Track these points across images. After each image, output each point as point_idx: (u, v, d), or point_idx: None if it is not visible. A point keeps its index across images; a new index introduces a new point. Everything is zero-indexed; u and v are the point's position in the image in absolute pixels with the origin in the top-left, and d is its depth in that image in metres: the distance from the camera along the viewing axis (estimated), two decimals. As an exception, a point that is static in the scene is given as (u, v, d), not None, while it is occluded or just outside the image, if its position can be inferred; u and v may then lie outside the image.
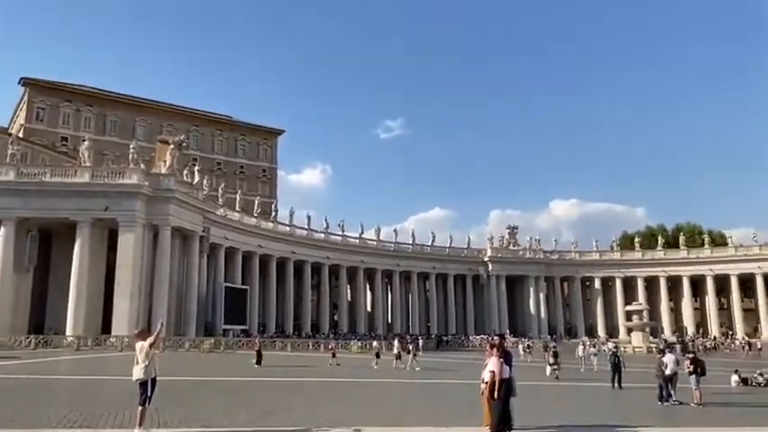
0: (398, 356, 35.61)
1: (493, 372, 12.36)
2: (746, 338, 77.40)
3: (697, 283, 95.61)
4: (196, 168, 63.51)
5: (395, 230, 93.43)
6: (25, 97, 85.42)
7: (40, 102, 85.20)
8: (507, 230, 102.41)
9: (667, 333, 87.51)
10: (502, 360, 12.67)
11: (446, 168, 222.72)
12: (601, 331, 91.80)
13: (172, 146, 54.20)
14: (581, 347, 41.24)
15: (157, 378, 12.53)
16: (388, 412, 17.52)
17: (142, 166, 51.87)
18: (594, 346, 43.82)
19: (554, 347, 34.69)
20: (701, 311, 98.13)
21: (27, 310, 50.40)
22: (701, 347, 66.01)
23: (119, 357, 35.54)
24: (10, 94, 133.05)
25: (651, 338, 74.77)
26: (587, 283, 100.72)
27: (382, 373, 31.44)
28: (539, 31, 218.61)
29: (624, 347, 49.18)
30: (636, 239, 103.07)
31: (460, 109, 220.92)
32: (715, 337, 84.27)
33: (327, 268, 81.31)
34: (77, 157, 57.05)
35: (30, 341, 43.71)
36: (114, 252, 49.33)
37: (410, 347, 36.84)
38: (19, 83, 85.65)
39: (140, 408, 12.04)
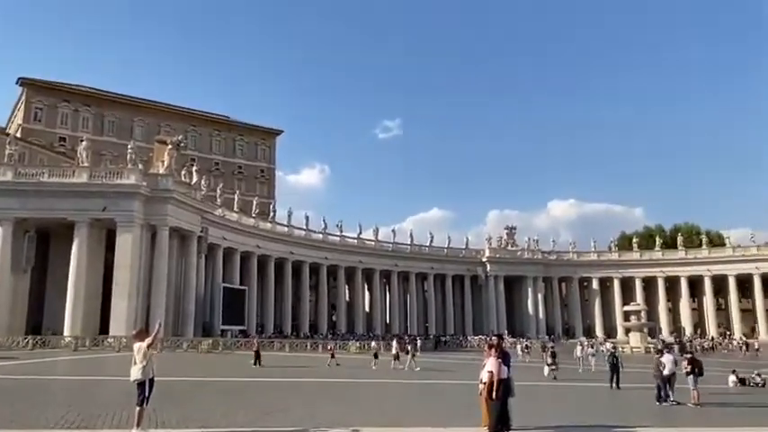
0: (397, 357, 35.59)
1: (491, 372, 12.37)
2: (744, 339, 77.50)
3: (695, 284, 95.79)
4: (194, 168, 63.51)
5: (393, 231, 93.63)
6: (23, 97, 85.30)
7: (37, 102, 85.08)
8: (505, 231, 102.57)
9: (665, 333, 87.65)
10: (500, 360, 12.68)
11: (444, 168, 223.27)
12: (599, 331, 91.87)
13: (170, 146, 54.16)
14: (579, 348, 41.30)
15: (155, 378, 12.51)
16: (386, 413, 17.52)
17: (140, 166, 51.83)
18: (592, 347, 43.90)
19: (552, 348, 34.76)
20: (698, 312, 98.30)
21: (25, 311, 50.30)
22: (698, 348, 66.09)
23: (116, 358, 35.49)
24: (8, 94, 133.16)
25: (649, 339, 74.80)
26: (585, 284, 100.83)
27: (381, 373, 31.43)
28: (538, 31, 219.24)
29: (622, 348, 49.19)
30: (634, 240, 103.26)
31: (459, 109, 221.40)
32: (713, 338, 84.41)
33: (325, 269, 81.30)
34: (75, 158, 57.02)
35: (27, 342, 43.62)
36: (112, 252, 49.26)
37: (408, 348, 36.86)
38: (17, 83, 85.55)
39: (138, 408, 12.02)
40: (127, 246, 48.50)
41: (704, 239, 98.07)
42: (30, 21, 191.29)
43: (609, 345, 40.74)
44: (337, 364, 34.45)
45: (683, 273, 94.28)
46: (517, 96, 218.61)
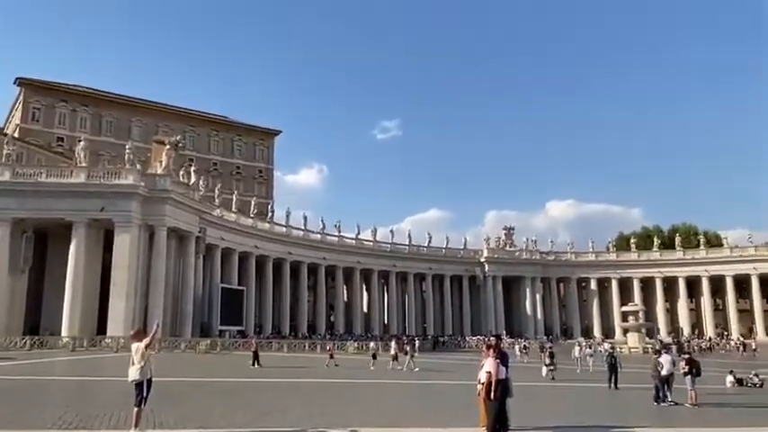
0: (395, 357, 35.58)
1: (489, 372, 12.36)
2: (741, 339, 77.61)
3: (693, 284, 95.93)
4: (192, 169, 63.42)
5: (391, 231, 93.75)
6: (21, 97, 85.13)
7: (35, 102, 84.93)
8: (504, 231, 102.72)
9: (663, 334, 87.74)
10: (498, 361, 12.67)
11: (443, 169, 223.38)
12: (597, 332, 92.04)
13: (168, 146, 54.07)
14: (577, 348, 41.32)
15: (153, 379, 12.48)
16: (384, 413, 17.52)
17: (138, 166, 51.79)
18: (590, 347, 43.96)
19: (550, 348, 34.79)
20: (696, 312, 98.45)
21: (22, 311, 50.20)
22: (696, 348, 66.24)
23: (114, 358, 35.42)
24: (5, 93, 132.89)
25: (647, 339, 74.93)
26: (583, 284, 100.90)
27: (379, 374, 31.44)
28: (538, 31, 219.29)
29: (620, 348, 49.25)
30: (632, 240, 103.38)
31: (457, 109, 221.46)
32: (710, 338, 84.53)
33: (324, 269, 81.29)
34: (73, 158, 56.88)
35: (25, 342, 43.52)
36: (110, 253, 49.18)
37: (407, 348, 36.86)
38: (14, 83, 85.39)
39: (136, 409, 12.00)
40: (125, 246, 48.43)
41: (702, 240, 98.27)
42: (27, 21, 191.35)
43: (607, 345, 40.87)
44: (336, 365, 34.45)
45: (681, 273, 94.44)
46: (516, 96, 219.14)
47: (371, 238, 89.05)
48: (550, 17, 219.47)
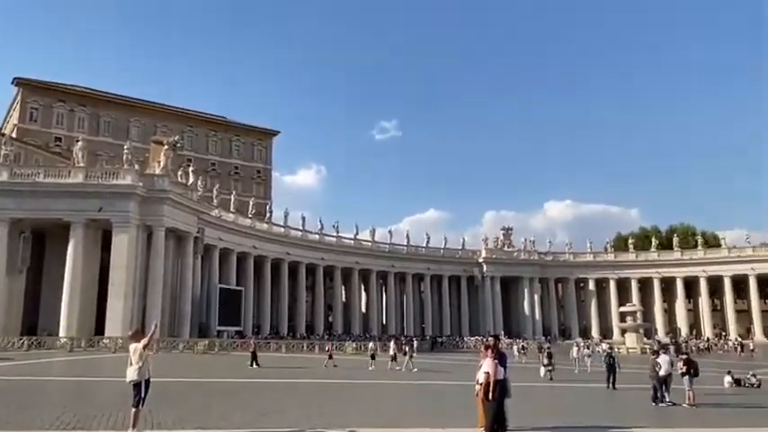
0: (394, 358, 35.58)
1: (487, 373, 12.36)
2: (739, 339, 77.78)
3: (690, 285, 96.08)
4: (190, 169, 63.37)
5: (390, 231, 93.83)
6: (18, 97, 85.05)
7: (33, 102, 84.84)
8: (502, 232, 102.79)
9: (661, 334, 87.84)
10: (496, 361, 12.67)
11: (441, 169, 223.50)
12: (595, 332, 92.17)
13: (166, 146, 53.99)
14: (575, 349, 41.31)
15: (151, 379, 12.46)
16: (383, 413, 17.52)
17: (136, 166, 51.70)
18: (588, 348, 43.93)
19: (548, 348, 34.77)
20: (694, 313, 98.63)
21: (20, 312, 50.12)
22: (694, 348, 66.29)
23: (112, 359, 35.38)
24: (3, 94, 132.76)
25: (645, 339, 75.02)
26: (581, 285, 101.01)
27: (378, 374, 31.43)
28: (538, 32, 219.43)
29: (618, 348, 49.27)
30: (630, 241, 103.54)
31: (456, 110, 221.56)
32: (708, 338, 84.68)
33: (322, 269, 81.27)
34: (71, 158, 56.85)
35: (23, 342, 43.46)
36: (108, 253, 49.10)
37: (406, 349, 36.85)
38: (12, 83, 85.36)
39: (134, 409, 11.98)
40: (123, 246, 48.36)
41: (700, 240, 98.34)
42: (25, 21, 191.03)
43: (605, 345, 40.86)
44: (334, 366, 34.43)
45: (679, 273, 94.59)
46: (515, 97, 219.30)
47: (370, 239, 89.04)
48: (550, 17, 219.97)
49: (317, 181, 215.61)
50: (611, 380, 25.40)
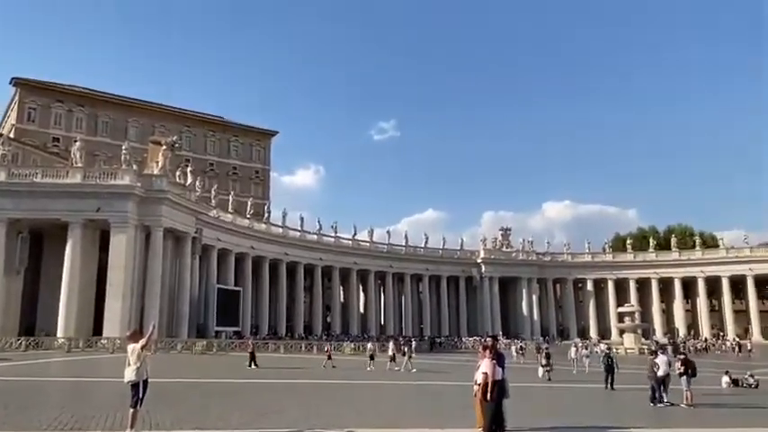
0: (393, 358, 35.59)
1: (485, 373, 12.37)
2: (737, 340, 77.89)
3: (688, 285, 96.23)
4: (189, 169, 63.25)
5: (388, 232, 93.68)
6: (16, 97, 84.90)
7: (31, 102, 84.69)
8: (500, 232, 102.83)
9: (659, 334, 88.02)
10: (494, 362, 12.68)
11: (439, 170, 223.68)
12: (593, 333, 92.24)
13: (164, 147, 53.93)
14: (573, 349, 41.38)
15: (149, 380, 12.46)
16: (382, 414, 17.53)
17: (134, 166, 51.62)
18: (587, 348, 43.98)
19: (546, 349, 34.83)
20: (692, 313, 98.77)
21: (18, 312, 50.03)
22: (692, 349, 66.36)
23: (110, 359, 35.35)
24: (1, 94, 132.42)
25: (643, 340, 75.08)
26: (580, 285, 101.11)
27: (377, 374, 31.44)
28: (538, 32, 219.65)
29: (616, 349, 49.34)
30: (628, 241, 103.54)
31: (454, 110, 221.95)
32: (706, 339, 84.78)
33: (320, 270, 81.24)
34: (69, 158, 56.67)
35: (20, 343, 43.40)
36: (106, 253, 49.05)
37: (404, 349, 36.86)
38: (10, 83, 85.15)
39: (132, 410, 11.97)
40: (121, 247, 48.31)
41: (698, 241, 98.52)
42: (23, 21, 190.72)
43: (603, 346, 40.90)
44: (333, 366, 34.42)
45: (677, 274, 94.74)
46: (514, 97, 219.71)
47: (368, 239, 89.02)
48: (549, 17, 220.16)
49: (316, 181, 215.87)
50: (609, 380, 25.45)
